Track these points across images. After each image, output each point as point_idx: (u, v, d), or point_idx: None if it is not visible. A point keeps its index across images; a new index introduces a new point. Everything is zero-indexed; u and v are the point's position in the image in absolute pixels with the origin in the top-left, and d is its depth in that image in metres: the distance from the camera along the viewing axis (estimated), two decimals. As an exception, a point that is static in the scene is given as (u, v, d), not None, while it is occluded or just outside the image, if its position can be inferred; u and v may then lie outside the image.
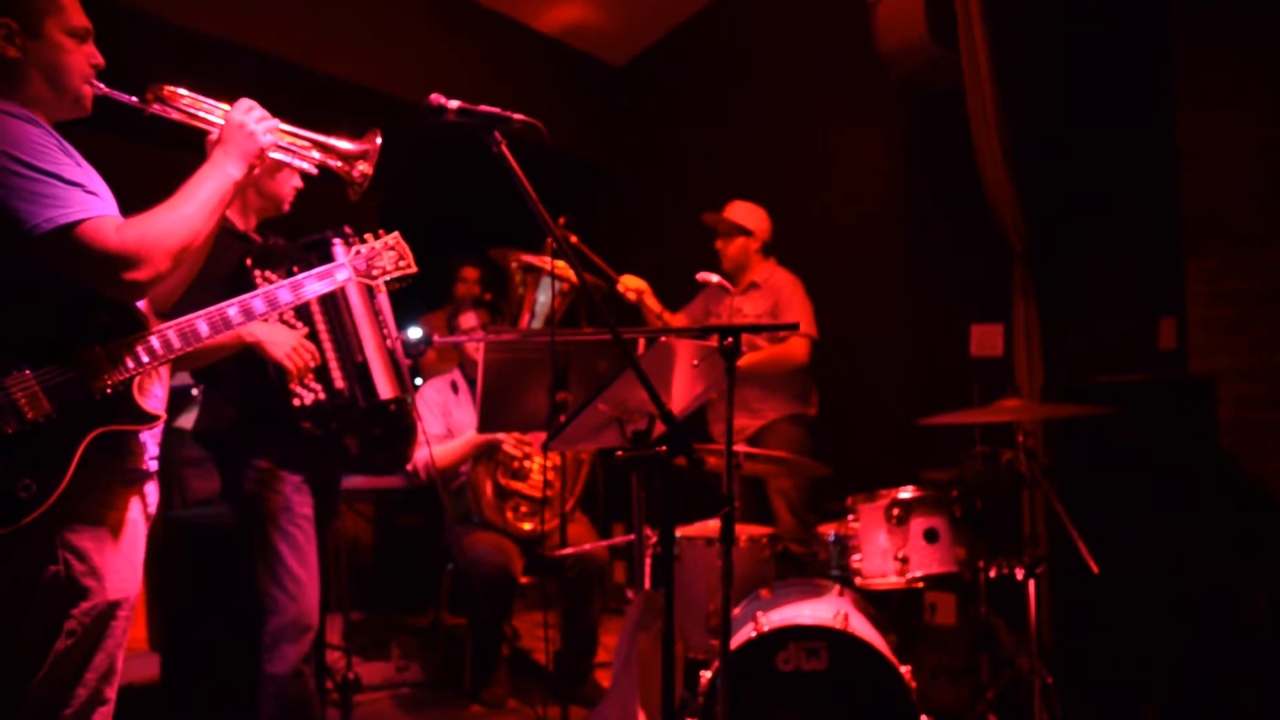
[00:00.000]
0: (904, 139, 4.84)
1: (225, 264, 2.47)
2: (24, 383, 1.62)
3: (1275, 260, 3.62)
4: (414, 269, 2.31)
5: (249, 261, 2.48)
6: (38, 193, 1.63)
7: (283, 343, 2.44)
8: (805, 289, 4.19)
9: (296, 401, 2.49)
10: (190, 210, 1.79)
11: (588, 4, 5.13)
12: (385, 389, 2.58)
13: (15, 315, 1.67)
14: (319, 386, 2.53)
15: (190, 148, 2.31)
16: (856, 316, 4.79)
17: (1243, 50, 3.69)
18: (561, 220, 3.89)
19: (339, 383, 2.54)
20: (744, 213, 4.23)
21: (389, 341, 2.64)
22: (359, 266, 2.22)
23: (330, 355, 2.55)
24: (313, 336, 2.53)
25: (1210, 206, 3.74)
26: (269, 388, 2.48)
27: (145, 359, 1.75)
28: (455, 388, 4.02)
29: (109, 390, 1.70)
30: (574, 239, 4.00)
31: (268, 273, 2.47)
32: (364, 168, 2.10)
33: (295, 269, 2.38)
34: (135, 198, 1.80)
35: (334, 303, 2.59)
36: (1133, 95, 4.08)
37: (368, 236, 2.31)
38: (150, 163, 3.02)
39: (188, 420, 4.11)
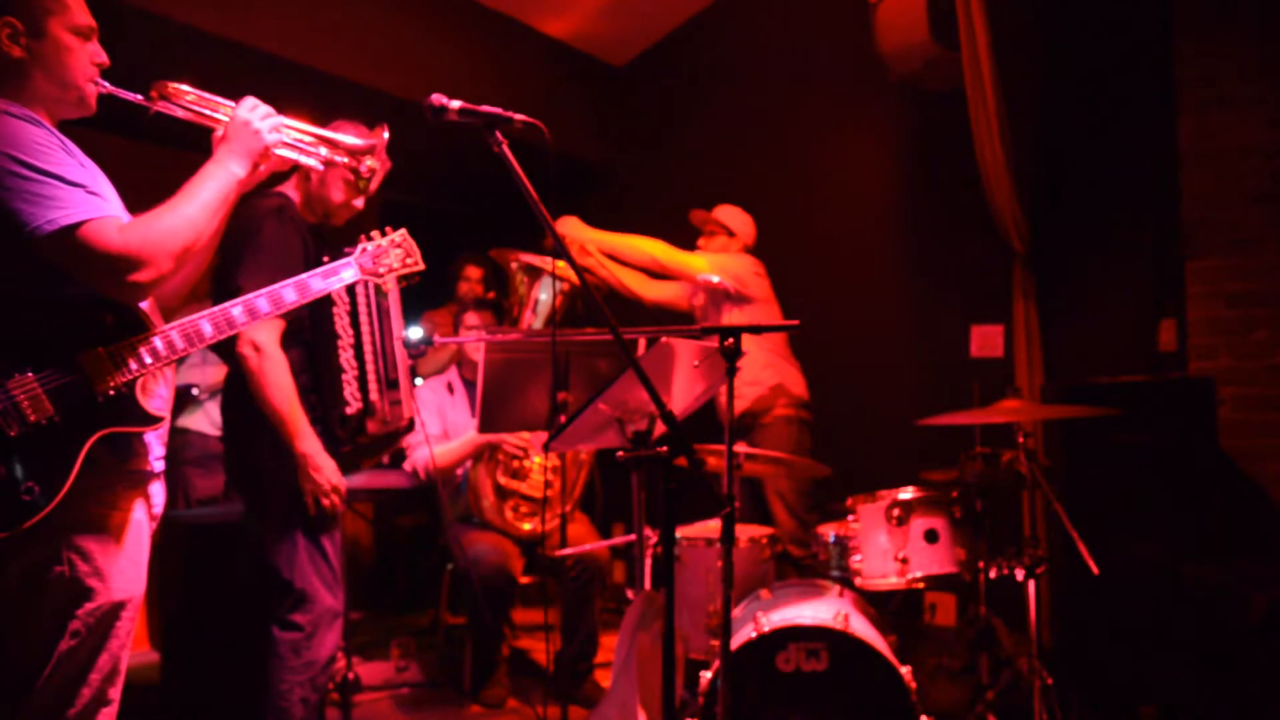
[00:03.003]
0: (904, 139, 4.84)
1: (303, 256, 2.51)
2: (26, 385, 1.61)
3: (1275, 261, 3.63)
4: (421, 266, 2.30)
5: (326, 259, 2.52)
6: (40, 194, 1.62)
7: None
8: (761, 272, 4.14)
9: (349, 409, 2.56)
10: (193, 210, 1.78)
11: (589, 4, 5.13)
12: (408, 409, 2.64)
13: (17, 317, 1.66)
14: (359, 397, 2.57)
15: (196, 147, 2.31)
16: (856, 316, 4.79)
17: (1243, 51, 3.69)
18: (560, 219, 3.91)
19: (373, 394, 2.59)
20: (730, 214, 4.27)
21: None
22: (365, 264, 2.21)
23: (370, 368, 2.58)
24: (358, 348, 2.56)
25: (1210, 207, 3.74)
26: (335, 390, 2.53)
27: (148, 360, 1.74)
28: (451, 388, 4.02)
29: (112, 392, 1.69)
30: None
31: None
32: (371, 163, 2.11)
33: None
34: (140, 197, 1.80)
35: (381, 317, 2.61)
36: (1133, 96, 4.09)
37: (374, 234, 2.31)
38: (156, 162, 3.02)
39: (189, 420, 4.12)
